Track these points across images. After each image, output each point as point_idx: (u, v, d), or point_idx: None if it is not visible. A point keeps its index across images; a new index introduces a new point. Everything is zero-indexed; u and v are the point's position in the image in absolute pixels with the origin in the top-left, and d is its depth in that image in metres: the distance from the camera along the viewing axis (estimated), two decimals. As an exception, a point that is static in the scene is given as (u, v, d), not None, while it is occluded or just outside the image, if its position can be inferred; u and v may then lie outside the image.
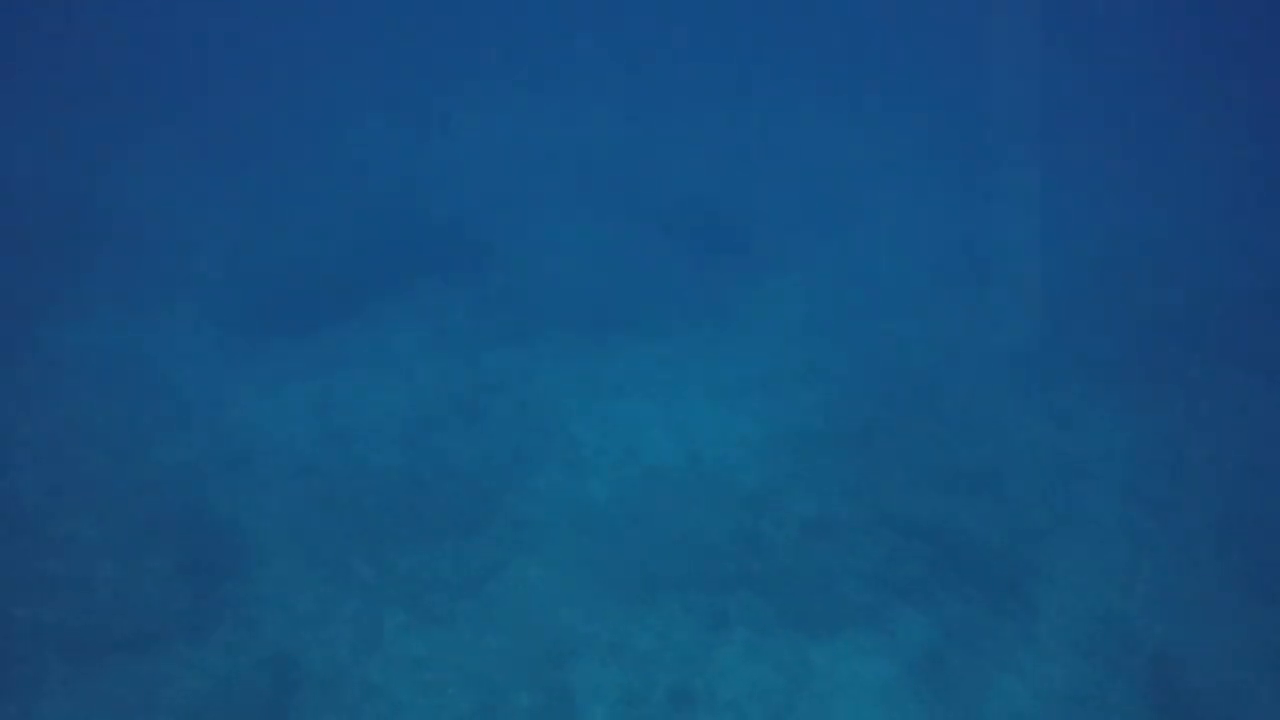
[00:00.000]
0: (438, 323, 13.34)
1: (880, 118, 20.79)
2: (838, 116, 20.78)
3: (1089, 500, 10.79)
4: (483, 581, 9.55)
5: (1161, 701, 8.73)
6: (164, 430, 11.16)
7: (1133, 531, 10.42)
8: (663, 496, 10.63)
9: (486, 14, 25.27)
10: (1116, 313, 14.00)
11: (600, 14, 25.46)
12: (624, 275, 14.56)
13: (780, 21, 26.17)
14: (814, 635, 9.15)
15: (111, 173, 16.35)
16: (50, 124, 17.68)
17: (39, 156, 16.52)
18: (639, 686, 8.64)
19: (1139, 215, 16.82)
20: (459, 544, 9.92)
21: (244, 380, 12.10)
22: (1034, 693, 8.77)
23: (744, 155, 18.88)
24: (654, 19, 25.58)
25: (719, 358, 12.97)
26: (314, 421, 11.49)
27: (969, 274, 14.98)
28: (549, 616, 9.24)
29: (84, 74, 19.70)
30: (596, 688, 8.61)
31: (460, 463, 10.97)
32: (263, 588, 9.36)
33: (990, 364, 12.91)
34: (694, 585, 9.60)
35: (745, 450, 11.33)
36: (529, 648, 8.92)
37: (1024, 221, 16.63)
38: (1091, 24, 25.23)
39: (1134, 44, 24.18)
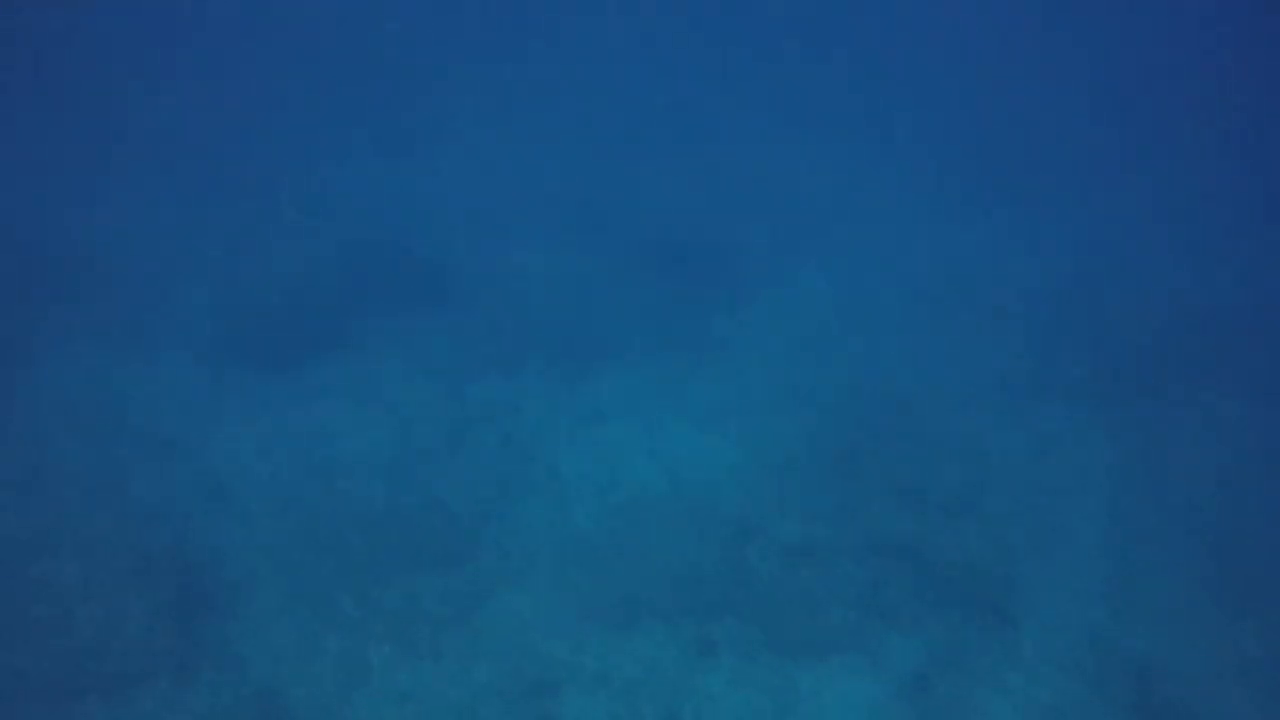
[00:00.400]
0: (420, 354, 13.35)
1: (858, 142, 21.04)
2: (815, 142, 21.02)
3: (1070, 520, 10.90)
4: (468, 614, 9.53)
5: (1145, 716, 8.79)
6: (145, 466, 11.10)
7: (1113, 550, 10.53)
8: (647, 524, 10.66)
9: (464, 47, 25.49)
10: (1095, 334, 14.19)
11: (575, 46, 25.75)
12: (604, 304, 14.65)
13: (756, 48, 26.51)
14: (800, 660, 9.18)
15: (92, 207, 16.32)
16: (27, 158, 17.65)
17: (14, 191, 16.47)
18: (627, 716, 8.63)
19: (1118, 237, 17.09)
20: (444, 576, 9.90)
21: (225, 414, 12.06)
22: (1020, 711, 8.82)
23: (722, 181, 19.06)
24: (629, 49, 25.88)
25: (700, 384, 13.04)
26: (297, 455, 11.46)
27: (948, 296, 15.16)
28: (535, 647, 9.22)
29: (63, 107, 19.70)
30: (584, 718, 8.59)
31: (444, 494, 10.96)
32: (246, 624, 9.30)
33: (971, 386, 13.04)
34: (680, 612, 9.62)
35: (728, 476, 11.38)
36: (516, 679, 8.90)
37: (1003, 245, 16.85)
38: (1069, 52, 25.66)
39: (1116, 69, 24.58)
